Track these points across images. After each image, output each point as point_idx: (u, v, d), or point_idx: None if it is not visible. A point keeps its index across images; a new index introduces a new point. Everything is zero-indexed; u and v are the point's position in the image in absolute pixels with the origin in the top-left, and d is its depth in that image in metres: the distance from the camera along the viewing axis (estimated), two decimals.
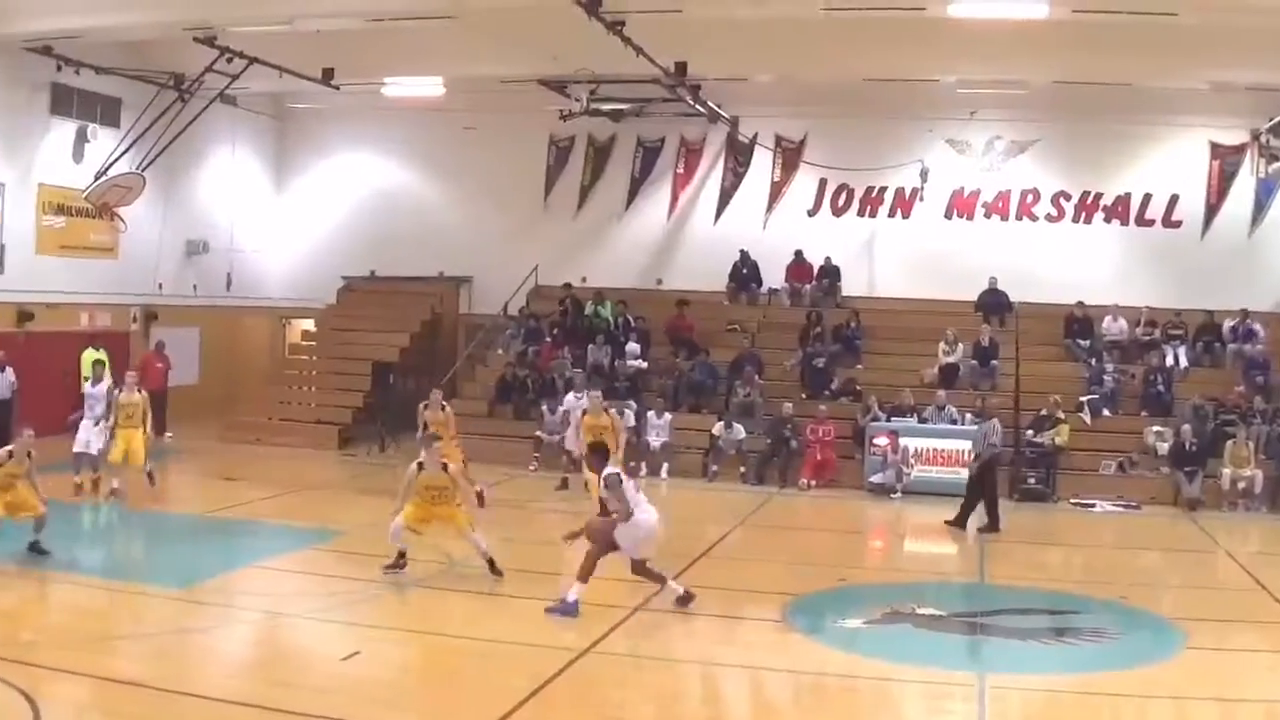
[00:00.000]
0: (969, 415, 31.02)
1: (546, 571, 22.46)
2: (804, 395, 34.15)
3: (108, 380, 26.87)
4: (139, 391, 26.18)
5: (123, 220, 36.31)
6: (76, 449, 25.32)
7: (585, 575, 17.97)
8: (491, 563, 19.93)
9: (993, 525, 25.94)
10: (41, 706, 13.22)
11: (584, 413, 24.69)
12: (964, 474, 28.14)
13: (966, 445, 29.71)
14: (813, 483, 31.25)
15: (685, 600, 18.41)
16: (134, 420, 25.66)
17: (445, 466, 20.23)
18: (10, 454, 20.17)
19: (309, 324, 44.21)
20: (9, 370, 29.97)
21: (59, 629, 17.32)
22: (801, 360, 35.30)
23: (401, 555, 19.72)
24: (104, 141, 36.12)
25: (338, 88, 36.14)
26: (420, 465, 20.04)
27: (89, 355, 33.55)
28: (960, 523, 26.07)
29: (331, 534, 21.72)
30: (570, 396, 30.76)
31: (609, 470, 18.57)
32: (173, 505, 26.35)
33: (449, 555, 21.34)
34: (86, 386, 26.22)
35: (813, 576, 21.19)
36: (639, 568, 18.59)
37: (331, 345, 41.52)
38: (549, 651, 15.69)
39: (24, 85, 34.37)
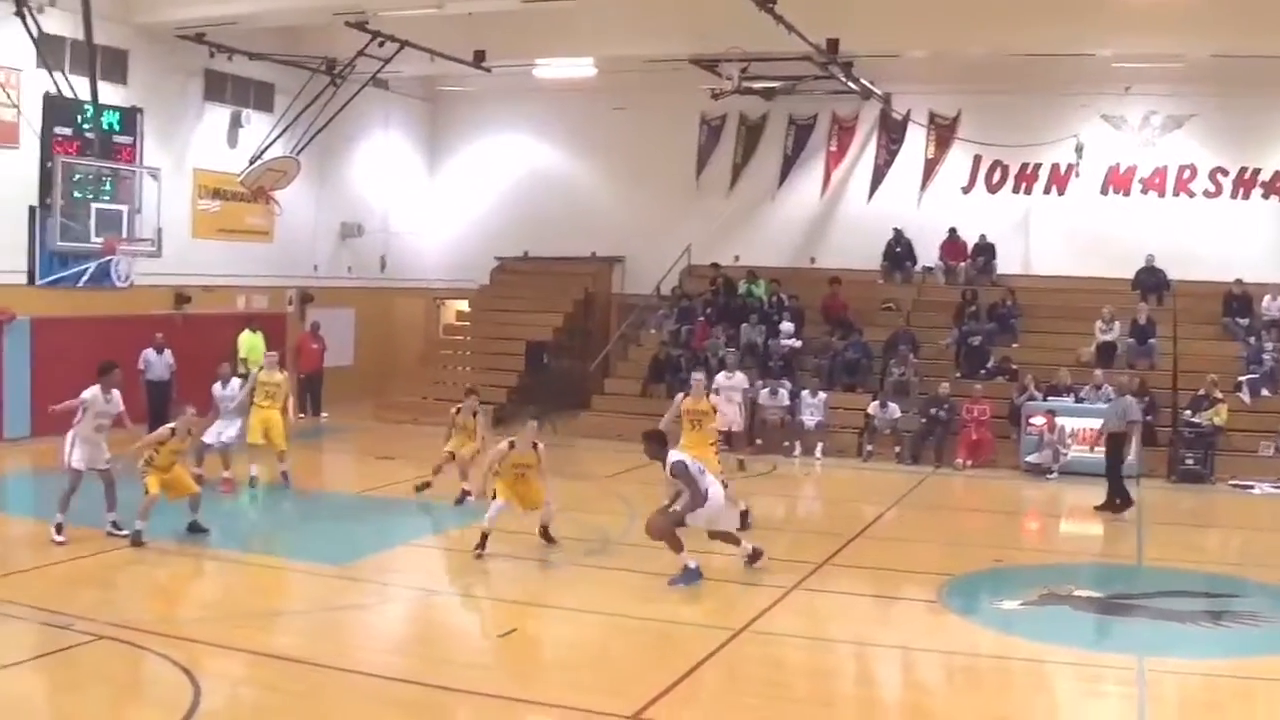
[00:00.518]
0: (1113, 392, 30.53)
1: (698, 550, 22.54)
2: (959, 374, 33.88)
3: (236, 382, 26.63)
4: (280, 371, 26.06)
5: (278, 204, 36.67)
6: (207, 439, 25.49)
7: (679, 545, 18.37)
8: (545, 529, 20.53)
9: (1108, 504, 25.65)
10: (201, 682, 13.43)
11: (684, 395, 23.62)
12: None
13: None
14: (968, 462, 31.02)
15: (754, 557, 18.93)
16: (274, 400, 25.63)
17: (535, 445, 20.45)
18: (173, 431, 20.43)
19: (463, 304, 44.50)
20: (168, 352, 30.37)
21: (218, 605, 17.58)
22: (957, 339, 35.01)
23: (485, 537, 19.72)
24: (258, 126, 36.58)
25: (489, 70, 36.30)
26: (512, 444, 20.33)
27: (246, 337, 34.00)
28: (1109, 506, 25.74)
29: (485, 512, 21.78)
30: (721, 376, 30.51)
31: (674, 458, 18.43)
32: (329, 484, 26.63)
33: (605, 533, 21.42)
34: (216, 388, 26.08)
35: (968, 557, 21.00)
36: (715, 534, 18.99)
37: (485, 325, 41.76)
38: (703, 630, 15.74)
39: (178, 72, 34.84)
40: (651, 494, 26.00)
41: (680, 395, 23.50)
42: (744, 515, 21.91)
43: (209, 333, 33.80)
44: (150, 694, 13.82)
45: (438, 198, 45.68)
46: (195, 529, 20.51)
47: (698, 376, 24.03)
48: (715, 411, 23.17)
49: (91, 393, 20.41)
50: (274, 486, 25.43)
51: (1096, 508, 25.57)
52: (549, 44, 35.42)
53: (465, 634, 16.03)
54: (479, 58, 35.35)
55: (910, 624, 17.46)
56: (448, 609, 17.54)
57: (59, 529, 19.82)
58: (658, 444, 18.83)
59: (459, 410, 25.50)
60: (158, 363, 30.33)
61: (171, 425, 20.57)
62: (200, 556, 20.08)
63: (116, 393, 20.63)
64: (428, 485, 24.49)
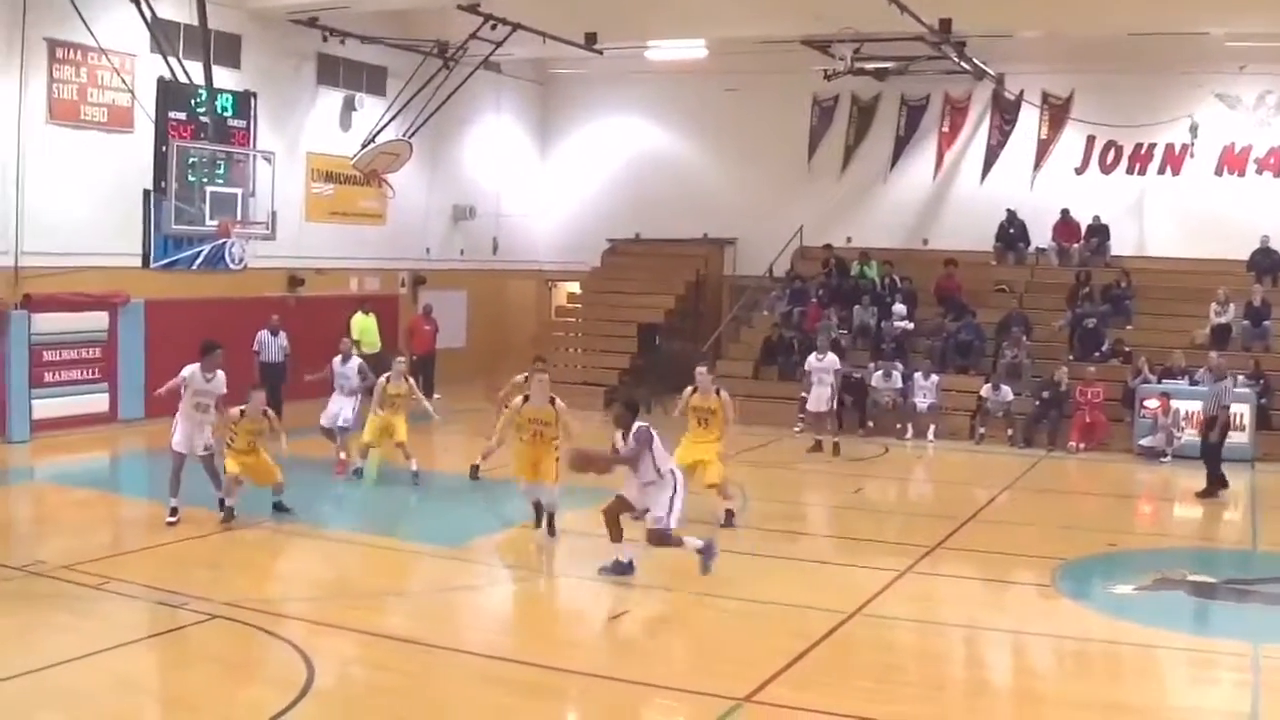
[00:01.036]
0: (1209, 376, 30.01)
1: (809, 533, 22.56)
2: (1071, 357, 33.53)
3: (356, 361, 26.61)
4: (406, 380, 25.44)
5: (391, 187, 36.85)
6: (324, 423, 25.57)
7: (618, 534, 17.71)
8: (550, 519, 19.87)
9: (1208, 490, 25.33)
10: (314, 661, 13.59)
11: (693, 390, 22.07)
12: (1235, 438, 27.42)
13: (1243, 409, 29.02)
14: (1081, 446, 30.70)
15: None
16: (398, 410, 25.40)
17: (553, 400, 19.96)
18: (243, 413, 20.48)
19: (574, 286, 44.57)
20: (283, 335, 30.54)
21: (330, 585, 17.72)
22: (1071, 321, 34.66)
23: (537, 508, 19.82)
24: (370, 110, 36.75)
25: (601, 52, 36.29)
26: (526, 398, 19.98)
27: (359, 319, 34.19)
28: (1210, 492, 25.42)
29: (598, 495, 21.79)
30: (812, 357, 30.28)
31: (641, 425, 17.40)
32: (442, 465, 26.69)
33: (717, 516, 21.38)
34: (335, 362, 26.16)
35: (1081, 541, 20.79)
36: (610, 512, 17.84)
37: (597, 307, 41.82)
38: (816, 613, 15.67)
39: (291, 56, 35.08)
40: (764, 475, 26.15)
41: (689, 389, 22.36)
42: (729, 515, 21.51)
43: (322, 315, 34.00)
44: (264, 673, 13.95)
45: (549, 180, 45.76)
46: (279, 509, 20.78)
47: (701, 370, 22.82)
48: (721, 409, 21.80)
49: (190, 370, 20.60)
50: (397, 470, 25.52)
51: (1198, 494, 25.28)
52: (661, 25, 35.41)
53: (576, 616, 16.07)
54: (590, 40, 35.34)
55: (1022, 608, 17.42)
56: (558, 591, 17.61)
57: (173, 511, 20.10)
58: (632, 412, 17.72)
59: (526, 377, 25.13)
60: (272, 345, 30.52)
61: (241, 407, 20.59)
62: (312, 537, 20.25)
63: (220, 374, 20.78)
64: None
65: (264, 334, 30.47)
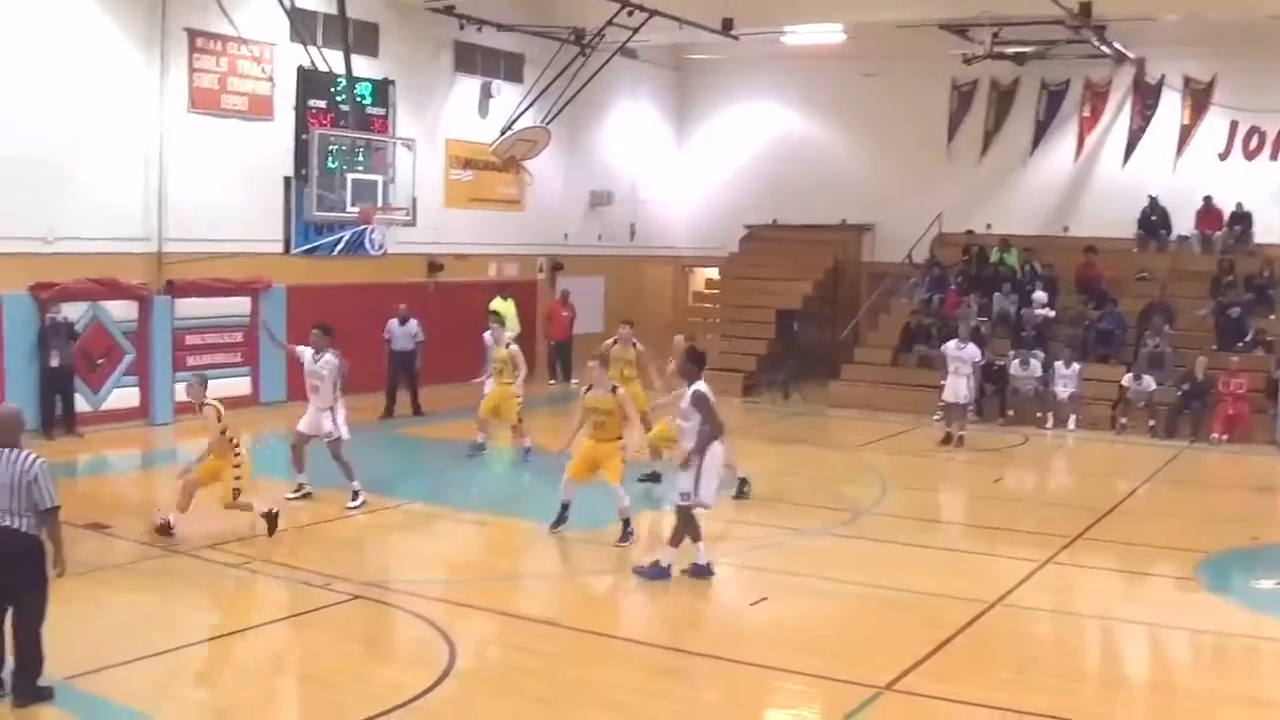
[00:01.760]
0: None
1: (948, 521, 22.46)
2: (1214, 346, 33.09)
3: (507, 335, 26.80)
4: (507, 346, 25.75)
5: (529, 173, 37.01)
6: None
7: (680, 536, 16.76)
8: (626, 523, 18.69)
9: None
10: (456, 642, 13.76)
11: (587, 388, 19.97)
12: None
13: None
14: (1225, 437, 30.23)
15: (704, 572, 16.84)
16: (504, 375, 25.54)
17: (615, 389, 19.21)
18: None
19: (712, 272, 44.56)
20: (412, 322, 30.61)
21: (469, 567, 17.91)
22: (1214, 310, 34.21)
23: (565, 508, 19.10)
24: (508, 97, 36.89)
25: (737, 37, 36.13)
26: (589, 386, 19.44)
27: (498, 304, 34.35)
28: None
29: (735, 480, 21.76)
30: (951, 345, 29.51)
31: (698, 387, 16.66)
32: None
33: (856, 503, 21.33)
34: (487, 336, 26.39)
35: (1223, 534, 20.49)
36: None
37: (734, 293, 41.73)
38: (956, 603, 15.61)
39: (428, 44, 35.36)
40: (902, 464, 26.05)
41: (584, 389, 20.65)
42: (742, 483, 21.59)
43: (460, 300, 34.20)
44: (407, 652, 14.16)
45: (686, 166, 45.77)
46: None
47: (593, 363, 20.57)
48: (619, 410, 19.34)
49: (303, 348, 21.21)
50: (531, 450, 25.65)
51: None
52: (798, 11, 35.26)
53: (716, 601, 16.04)
54: (727, 25, 35.22)
55: (1162, 601, 17.22)
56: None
57: (296, 488, 20.88)
58: (696, 365, 17.05)
59: (615, 341, 25.10)
60: (400, 333, 30.60)
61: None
62: (450, 519, 20.51)
63: (327, 357, 21.03)
64: None
65: (393, 323, 30.59)
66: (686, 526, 16.53)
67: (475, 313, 31.79)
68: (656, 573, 16.46)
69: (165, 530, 18.10)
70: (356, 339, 28.33)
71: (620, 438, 18.84)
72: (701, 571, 16.58)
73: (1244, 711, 12.65)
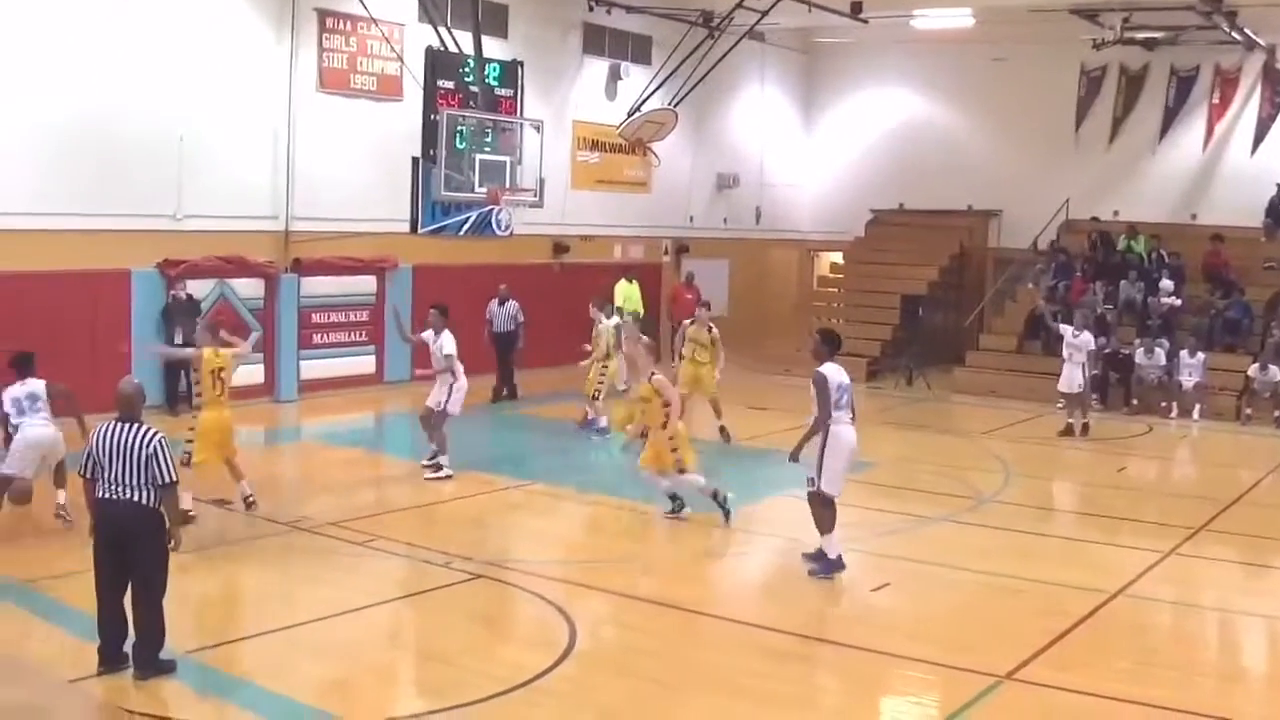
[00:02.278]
0: None
1: (1071, 510, 22.35)
2: None
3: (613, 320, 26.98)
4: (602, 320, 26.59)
5: (656, 155, 37.08)
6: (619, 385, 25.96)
7: (827, 523, 16.25)
8: (723, 507, 18.57)
9: None
10: (576, 621, 13.89)
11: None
12: None
13: None
14: None
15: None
16: (599, 351, 26.14)
17: (651, 375, 18.93)
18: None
19: (837, 257, 44.50)
20: (511, 303, 30.53)
21: (588, 548, 18.05)
22: None
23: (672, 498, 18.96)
24: (636, 79, 37.02)
25: (866, 21, 36.08)
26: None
27: (622, 286, 34.43)
28: None
29: (861, 465, 21.77)
30: (1068, 331, 28.63)
31: (823, 368, 16.19)
32: (700, 434, 26.88)
33: (980, 490, 21.28)
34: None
35: None
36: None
37: (859, 278, 41.61)
38: (1078, 592, 15.51)
39: (557, 25, 35.56)
40: (1025, 451, 25.94)
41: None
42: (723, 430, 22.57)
43: (586, 281, 34.37)
44: (527, 632, 14.28)
45: (812, 149, 45.72)
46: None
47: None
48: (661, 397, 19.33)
49: (425, 334, 21.85)
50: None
51: None
52: None
53: (837, 586, 15.99)
54: (856, 9, 35.16)
55: None
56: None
57: (432, 456, 21.45)
58: (828, 346, 16.47)
59: (691, 321, 25.49)
60: (500, 314, 30.63)
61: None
62: (570, 499, 20.66)
63: (444, 336, 21.58)
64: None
65: (493, 304, 30.62)
66: (820, 513, 16.15)
67: (600, 294, 31.91)
68: (826, 566, 16.04)
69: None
70: (481, 319, 28.71)
71: (665, 425, 18.66)
72: (827, 566, 16.03)
73: None
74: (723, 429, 25.39)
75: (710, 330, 25.48)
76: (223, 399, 18.33)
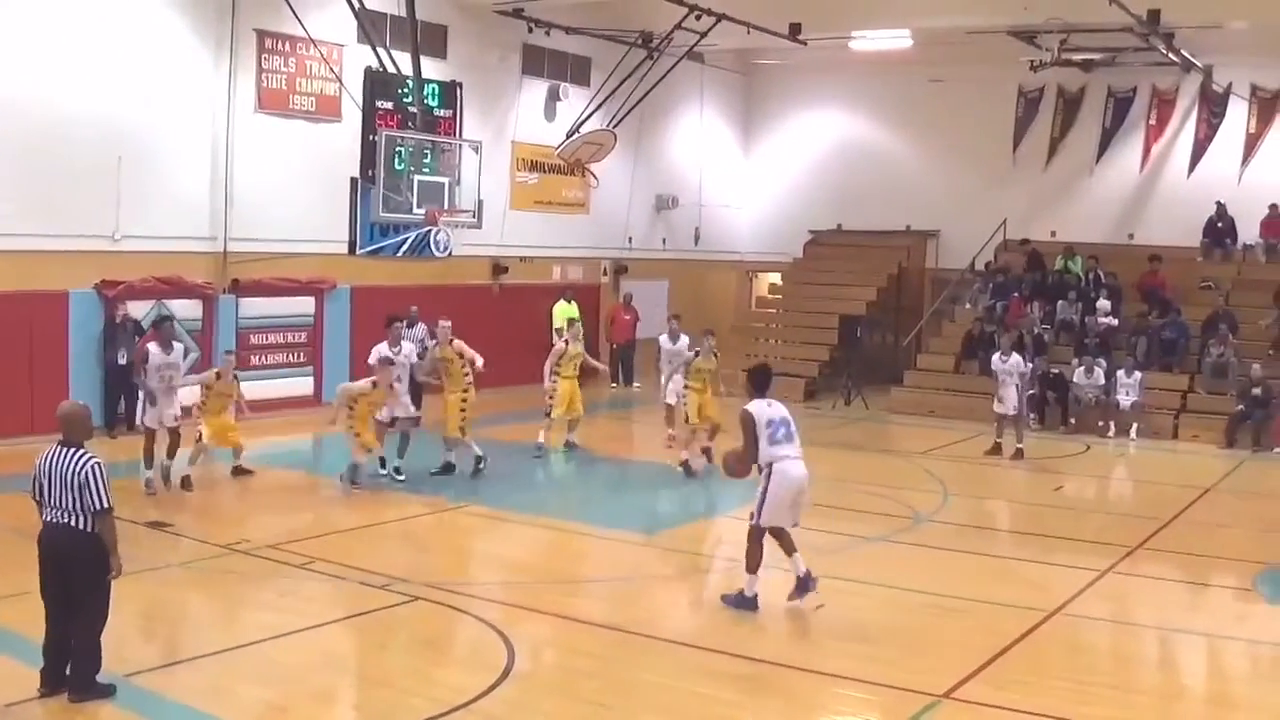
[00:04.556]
0: None
1: (1008, 530, 22.46)
2: (1270, 353, 32.92)
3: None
4: (578, 341, 26.42)
5: (594, 176, 37.11)
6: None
7: (754, 560, 15.87)
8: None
9: None
10: (516, 643, 13.86)
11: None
12: None
13: None
14: None
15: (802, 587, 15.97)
16: (571, 372, 26.02)
17: (452, 340, 20.53)
18: (219, 375, 21.95)
19: (775, 277, 44.57)
20: (420, 326, 28.60)
21: (529, 570, 17.95)
22: (1276, 319, 33.99)
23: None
24: (575, 100, 37.03)
25: (805, 43, 36.18)
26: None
27: (561, 307, 34.47)
28: None
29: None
30: (996, 358, 28.57)
31: (747, 405, 15.89)
32: (639, 453, 26.88)
33: (917, 510, 21.37)
34: (663, 341, 27.17)
35: None
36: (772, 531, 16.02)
37: (798, 299, 41.78)
38: (1015, 611, 15.60)
39: (496, 47, 35.58)
40: (963, 471, 26.05)
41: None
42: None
43: (524, 303, 34.40)
44: (467, 654, 14.21)
45: (751, 171, 45.90)
46: (239, 471, 22.71)
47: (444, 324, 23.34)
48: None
49: (381, 347, 22.80)
50: (584, 453, 25.94)
51: None
52: (866, 16, 35.35)
53: (775, 607, 16.00)
54: (795, 30, 35.25)
55: (1221, 612, 17.20)
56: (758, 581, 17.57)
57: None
58: (752, 385, 16.25)
59: (697, 353, 25.58)
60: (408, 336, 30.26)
61: (217, 369, 22.29)
62: (510, 521, 20.57)
63: (404, 346, 23.38)
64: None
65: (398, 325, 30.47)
66: (750, 548, 15.92)
67: (539, 315, 31.93)
68: (738, 601, 15.80)
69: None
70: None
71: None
72: (738, 601, 15.80)
73: None
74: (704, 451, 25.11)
75: (715, 356, 25.81)
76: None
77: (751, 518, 15.87)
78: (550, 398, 25.70)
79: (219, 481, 22.75)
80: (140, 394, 21.70)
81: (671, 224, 42.87)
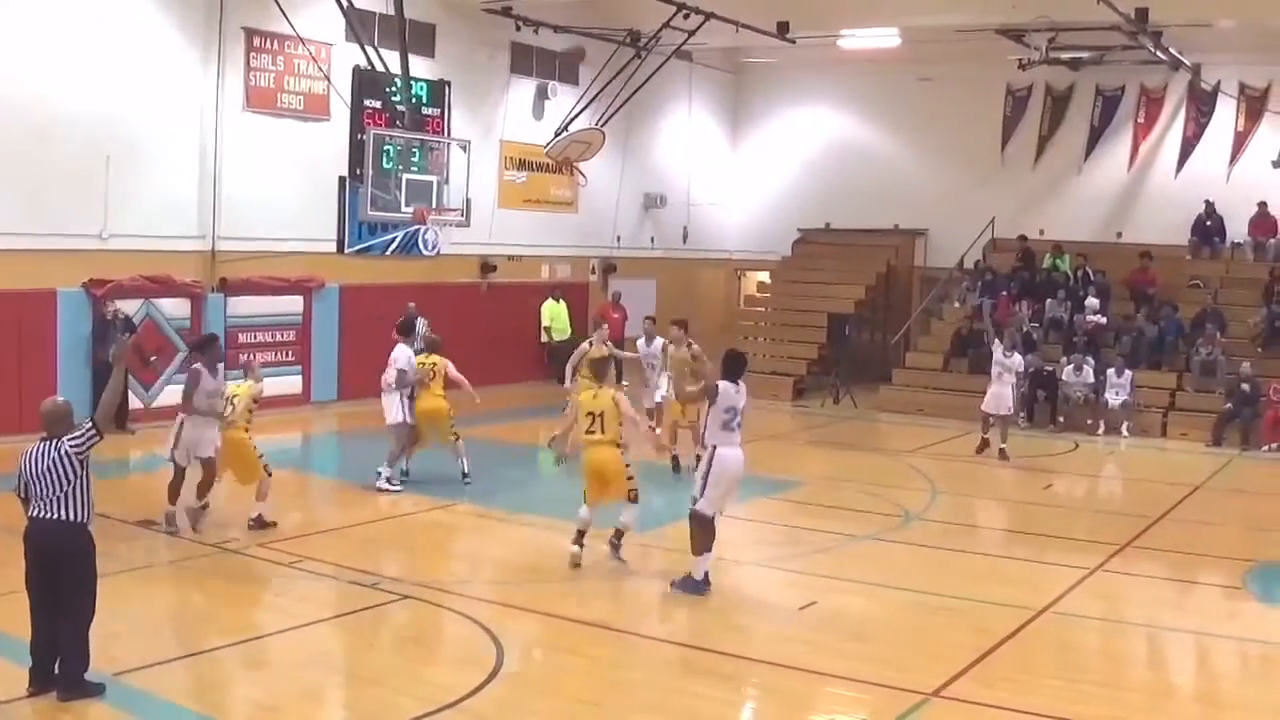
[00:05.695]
0: None
1: (997, 528, 22.45)
2: (1259, 349, 32.98)
3: (660, 341, 26.57)
4: (606, 344, 25.60)
5: (583, 175, 37.05)
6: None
7: (702, 542, 16.16)
8: (617, 540, 17.79)
9: None
10: (504, 643, 13.84)
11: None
12: None
13: None
14: (1275, 446, 30.11)
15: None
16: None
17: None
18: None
19: (764, 276, 44.52)
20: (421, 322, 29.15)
21: (519, 569, 17.87)
22: (1266, 317, 34.01)
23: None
24: (563, 98, 36.99)
25: (793, 41, 36.14)
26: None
27: (550, 306, 34.45)
28: None
29: (786, 484, 21.78)
30: (999, 352, 28.08)
31: (718, 381, 16.33)
32: (630, 452, 26.85)
33: (905, 508, 21.40)
34: (640, 344, 26.44)
35: (1273, 543, 20.57)
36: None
37: (786, 297, 41.81)
38: (1004, 609, 15.62)
39: (484, 46, 35.48)
40: (952, 469, 26.05)
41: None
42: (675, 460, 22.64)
43: (513, 301, 34.38)
44: (455, 653, 14.26)
45: (740, 169, 45.83)
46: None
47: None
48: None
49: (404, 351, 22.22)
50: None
51: None
52: (854, 14, 35.32)
53: (764, 605, 16.02)
54: (783, 29, 35.21)
55: (1210, 610, 17.20)
56: (747, 580, 17.52)
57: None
58: (726, 366, 16.60)
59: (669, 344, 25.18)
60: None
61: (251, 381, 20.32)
62: (501, 520, 20.51)
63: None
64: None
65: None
66: (695, 531, 16.14)
67: (527, 314, 31.89)
68: (688, 584, 16.04)
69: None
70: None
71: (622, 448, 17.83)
72: (689, 585, 15.99)
73: None
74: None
75: (691, 347, 24.81)
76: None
77: (693, 501, 16.09)
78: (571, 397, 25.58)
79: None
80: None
81: (660, 222, 42.85)
